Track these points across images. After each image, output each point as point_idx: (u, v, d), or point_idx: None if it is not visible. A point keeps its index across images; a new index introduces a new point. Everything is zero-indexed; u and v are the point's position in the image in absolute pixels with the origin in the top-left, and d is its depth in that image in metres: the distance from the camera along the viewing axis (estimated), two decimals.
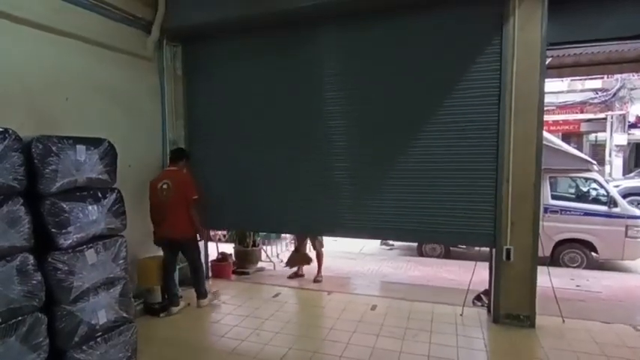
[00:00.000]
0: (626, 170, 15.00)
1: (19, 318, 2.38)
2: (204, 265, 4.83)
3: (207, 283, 4.74)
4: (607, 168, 14.80)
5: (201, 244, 4.68)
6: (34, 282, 2.44)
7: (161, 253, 4.39)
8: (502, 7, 3.62)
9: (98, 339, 2.85)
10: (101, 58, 3.93)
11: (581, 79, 13.77)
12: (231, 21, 4.32)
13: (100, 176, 2.95)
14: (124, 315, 3.05)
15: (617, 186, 9.83)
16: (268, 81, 4.54)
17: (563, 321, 3.83)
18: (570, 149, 7.15)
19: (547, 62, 4.02)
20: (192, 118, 4.98)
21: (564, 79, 12.43)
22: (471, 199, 3.85)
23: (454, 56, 3.82)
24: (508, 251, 3.72)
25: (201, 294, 4.37)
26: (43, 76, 3.38)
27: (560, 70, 6.26)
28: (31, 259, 2.45)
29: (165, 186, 4.09)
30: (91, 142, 2.90)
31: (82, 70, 3.74)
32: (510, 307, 3.80)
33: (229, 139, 4.77)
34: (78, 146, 2.78)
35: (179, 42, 4.85)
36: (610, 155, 15.15)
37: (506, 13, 3.61)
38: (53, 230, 2.59)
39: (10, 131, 2.40)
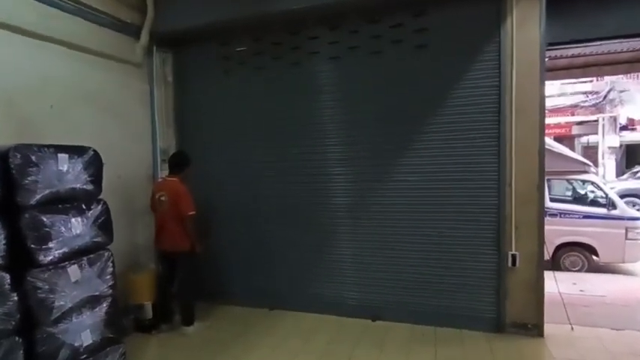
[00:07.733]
0: (619, 172, 15.09)
1: None
2: (194, 287, 4.07)
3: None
4: (600, 170, 14.88)
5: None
6: (10, 303, 2.27)
7: (153, 266, 4.20)
8: (499, 5, 3.54)
9: None
10: (88, 64, 3.77)
11: (571, 83, 13.87)
12: (221, 25, 4.18)
13: (85, 187, 2.79)
14: (111, 335, 2.86)
15: (612, 188, 9.81)
16: (261, 88, 4.40)
17: (572, 328, 3.70)
18: (567, 151, 7.11)
19: None
20: (183, 126, 4.82)
21: (554, 82, 12.52)
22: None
23: (452, 62, 3.73)
24: (514, 257, 3.59)
25: (185, 319, 3.93)
26: (25, 83, 3.20)
27: (555, 72, 6.24)
28: (7, 278, 2.27)
29: (163, 198, 3.84)
30: (74, 151, 2.74)
31: (68, 77, 3.57)
32: (517, 316, 3.65)
33: (222, 150, 4.62)
34: (60, 155, 2.62)
35: (169, 48, 4.71)
36: (602, 157, 15.25)
37: (503, 11, 3.53)
38: (32, 246, 2.42)
39: None
